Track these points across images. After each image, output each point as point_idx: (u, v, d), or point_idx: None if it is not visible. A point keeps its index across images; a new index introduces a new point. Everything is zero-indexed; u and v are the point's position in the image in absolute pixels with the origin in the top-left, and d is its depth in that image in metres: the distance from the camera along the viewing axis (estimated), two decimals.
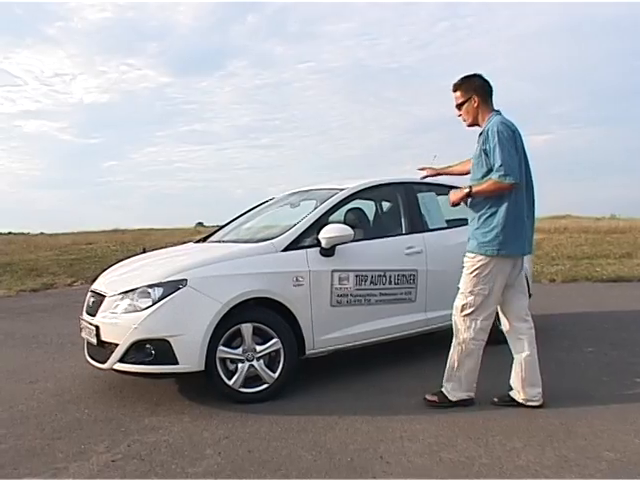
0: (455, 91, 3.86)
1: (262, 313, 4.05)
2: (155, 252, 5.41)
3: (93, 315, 4.20)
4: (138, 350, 3.85)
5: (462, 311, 3.76)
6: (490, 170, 3.61)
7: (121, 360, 3.91)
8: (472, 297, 3.72)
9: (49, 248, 18.97)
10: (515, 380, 3.80)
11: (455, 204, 3.84)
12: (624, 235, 18.04)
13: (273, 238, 4.34)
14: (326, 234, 4.27)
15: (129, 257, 5.37)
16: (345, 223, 4.51)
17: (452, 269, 4.16)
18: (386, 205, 5.28)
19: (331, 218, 4.55)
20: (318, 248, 4.31)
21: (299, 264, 4.23)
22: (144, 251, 11.84)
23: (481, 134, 3.72)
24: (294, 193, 5.54)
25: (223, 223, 5.75)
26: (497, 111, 3.81)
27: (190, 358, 3.81)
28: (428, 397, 3.89)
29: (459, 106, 3.86)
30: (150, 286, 3.93)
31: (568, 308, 7.62)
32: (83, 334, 4.37)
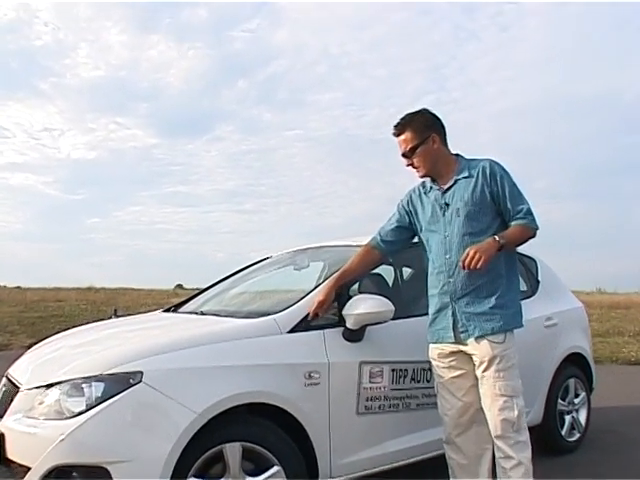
0: (401, 133, 2.91)
1: (257, 427, 2.65)
2: (113, 321, 4.02)
3: (0, 415, 2.77)
4: None
5: (518, 423, 2.78)
6: (494, 219, 2.86)
7: None
8: (520, 398, 2.83)
9: (14, 303, 17.48)
10: None
11: (485, 262, 2.68)
12: (629, 311, 17.16)
13: (274, 312, 2.98)
14: (354, 309, 2.92)
15: (99, 320, 4.12)
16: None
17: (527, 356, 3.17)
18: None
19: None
20: (340, 329, 2.97)
21: (313, 353, 2.87)
22: (115, 312, 10.60)
23: (455, 183, 2.92)
24: (301, 251, 4.20)
25: (204, 286, 4.40)
26: (460, 155, 3.02)
27: None
28: None
29: (411, 151, 2.87)
30: (86, 379, 2.53)
31: (618, 399, 6.25)
32: None
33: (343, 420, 2.89)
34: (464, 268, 2.71)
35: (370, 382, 2.98)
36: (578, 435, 4.45)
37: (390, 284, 3.68)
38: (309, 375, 2.78)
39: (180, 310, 3.90)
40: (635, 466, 4.06)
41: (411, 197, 3.12)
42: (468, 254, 2.68)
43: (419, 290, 3.50)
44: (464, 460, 2.95)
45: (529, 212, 2.82)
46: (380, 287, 3.29)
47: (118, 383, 2.48)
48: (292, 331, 2.87)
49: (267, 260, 4.37)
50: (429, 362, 3.08)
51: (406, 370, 3.13)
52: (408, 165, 2.96)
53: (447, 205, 2.91)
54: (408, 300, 3.46)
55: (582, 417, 4.51)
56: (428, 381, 3.21)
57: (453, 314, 2.88)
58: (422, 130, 2.91)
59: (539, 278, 4.31)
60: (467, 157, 2.99)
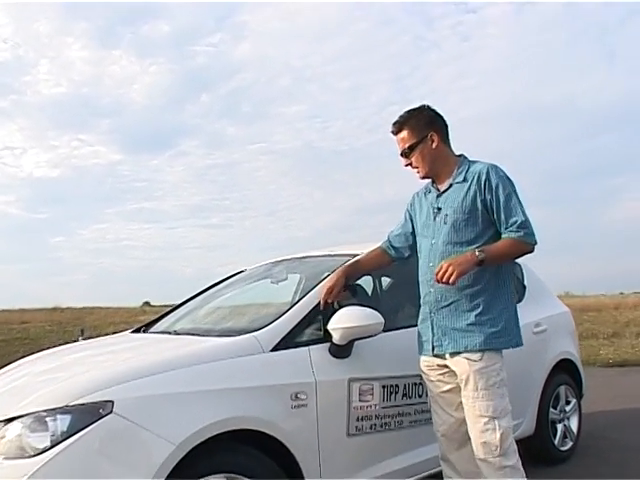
0: (399, 131, 2.73)
1: (241, 456, 2.42)
2: (80, 344, 3.75)
3: None
4: None
5: (501, 447, 2.53)
6: (487, 228, 2.64)
7: None
8: (505, 419, 2.57)
9: None
10: None
11: (458, 277, 2.51)
12: (600, 313, 17.27)
13: (255, 329, 2.75)
14: (341, 323, 2.72)
15: (65, 342, 3.77)
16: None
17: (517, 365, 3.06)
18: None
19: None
20: (326, 344, 2.77)
21: (299, 372, 2.65)
22: (82, 333, 10.24)
23: (450, 187, 2.73)
24: (277, 262, 3.99)
25: (172, 303, 4.16)
26: (464, 156, 2.81)
27: None
28: None
29: (409, 150, 2.70)
30: (50, 412, 2.27)
31: (603, 404, 6.14)
32: None
33: (333, 443, 2.68)
34: (436, 281, 2.55)
35: (360, 400, 2.78)
36: (571, 444, 4.30)
37: (370, 294, 3.50)
38: (295, 396, 2.57)
39: (151, 330, 3.65)
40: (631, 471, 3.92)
41: (414, 200, 2.97)
42: (442, 267, 2.51)
43: (404, 300, 3.36)
44: (460, 478, 2.76)
45: (523, 225, 2.58)
46: (361, 298, 3.11)
47: (86, 415, 2.23)
48: (275, 349, 2.65)
49: (241, 274, 4.14)
50: (420, 376, 2.90)
51: (397, 386, 2.94)
52: (407, 165, 2.78)
53: (439, 210, 2.74)
54: (393, 311, 3.27)
55: (574, 425, 4.37)
56: (420, 396, 3.03)
57: (432, 326, 2.71)
58: (421, 128, 2.73)
59: (525, 283, 4.17)
60: (471, 159, 2.80)
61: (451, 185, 2.73)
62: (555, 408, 4.18)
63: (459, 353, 2.61)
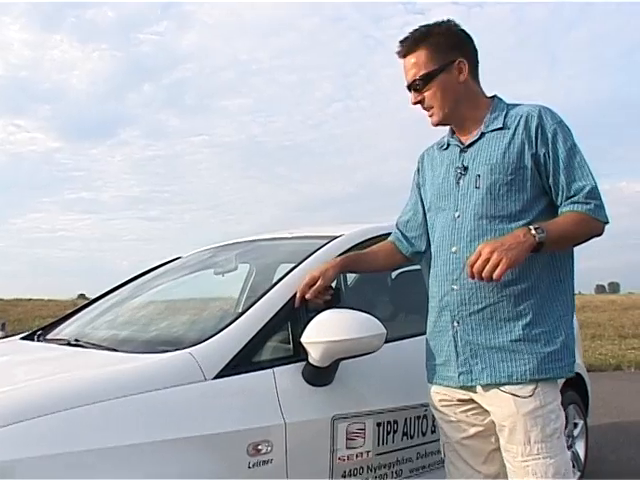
0: (412, 51, 1.89)
1: None
2: None
3: None
4: None
5: None
6: (537, 198, 1.80)
7: None
8: (562, 456, 1.75)
9: None
10: None
11: (507, 269, 1.64)
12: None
13: (191, 345, 1.82)
14: (322, 335, 1.80)
15: None
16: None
17: None
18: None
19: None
20: (299, 365, 1.87)
21: (260, 410, 1.74)
22: (3, 327, 9.16)
23: (481, 137, 1.86)
24: (222, 247, 3.04)
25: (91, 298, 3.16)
26: (498, 97, 1.94)
27: None
28: None
29: (424, 80, 1.85)
30: None
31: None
32: None
33: None
34: (471, 276, 1.66)
35: (348, 447, 1.89)
36: (578, 474, 3.54)
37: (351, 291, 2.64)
38: (255, 449, 1.66)
39: (50, 335, 2.65)
40: None
41: (422, 161, 2.07)
42: (480, 254, 1.63)
43: (401, 300, 2.50)
44: None
45: (593, 194, 1.75)
46: (348, 298, 2.21)
47: None
48: (222, 374, 1.73)
49: (176, 262, 3.17)
50: (422, 405, 2.04)
51: (396, 422, 2.06)
52: (416, 103, 1.88)
53: (465, 169, 1.86)
54: (390, 315, 2.40)
55: (581, 450, 3.61)
56: (424, 434, 2.17)
57: (455, 342, 1.82)
58: (444, 50, 1.84)
59: None
60: (510, 102, 1.93)
61: (483, 134, 1.86)
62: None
63: (499, 385, 1.75)
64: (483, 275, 1.62)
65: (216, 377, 1.72)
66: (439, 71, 1.84)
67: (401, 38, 1.90)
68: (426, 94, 1.85)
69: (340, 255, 2.18)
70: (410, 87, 1.88)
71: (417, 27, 1.90)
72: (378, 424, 2.00)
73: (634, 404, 6.06)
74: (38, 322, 14.41)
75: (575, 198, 1.75)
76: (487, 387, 1.76)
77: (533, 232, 1.66)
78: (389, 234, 2.18)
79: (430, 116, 1.90)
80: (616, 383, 7.35)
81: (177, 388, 1.64)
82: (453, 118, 1.90)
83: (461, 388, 1.81)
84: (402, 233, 2.09)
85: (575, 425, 3.60)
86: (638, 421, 5.36)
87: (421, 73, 1.84)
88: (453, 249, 1.82)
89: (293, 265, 2.16)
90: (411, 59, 1.86)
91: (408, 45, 1.87)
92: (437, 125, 1.92)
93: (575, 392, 3.60)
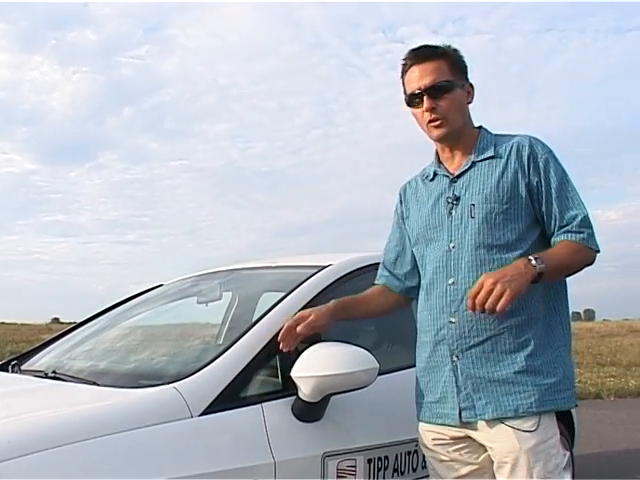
0: (434, 58, 1.85)
1: None
2: None
3: None
4: None
5: None
6: (531, 227, 1.79)
7: None
8: None
9: None
10: None
11: (512, 300, 1.60)
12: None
13: (175, 379, 1.75)
14: (313, 369, 1.75)
15: None
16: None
17: None
18: None
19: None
20: (288, 400, 1.80)
21: (248, 448, 1.67)
22: None
23: (472, 167, 1.84)
24: (208, 275, 2.97)
25: (69, 327, 3.05)
26: (484, 129, 1.94)
27: None
28: None
29: (443, 87, 1.81)
30: None
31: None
32: None
33: None
34: (472, 308, 1.62)
35: None
36: None
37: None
38: None
39: (25, 366, 2.54)
40: None
41: (405, 193, 2.03)
42: (482, 285, 1.60)
43: (390, 331, 2.45)
44: None
45: (585, 222, 1.76)
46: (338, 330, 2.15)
47: None
48: (209, 411, 1.66)
49: (158, 289, 3.09)
50: (413, 440, 1.98)
51: (387, 458, 2.00)
52: (428, 110, 1.81)
53: (457, 199, 1.82)
54: (378, 346, 2.34)
55: None
56: (414, 470, 2.11)
57: (455, 376, 1.76)
58: (459, 70, 1.85)
59: None
60: (496, 133, 1.92)
61: (474, 163, 1.83)
62: None
63: (503, 420, 1.70)
64: (486, 307, 1.58)
65: (203, 413, 1.65)
66: (456, 85, 1.82)
67: (421, 45, 1.88)
68: (442, 103, 1.79)
69: (330, 285, 2.14)
70: (423, 93, 1.80)
71: (431, 44, 1.88)
72: (369, 460, 1.94)
73: (617, 433, 6.03)
74: (10, 347, 14.09)
75: (568, 227, 1.74)
76: (490, 422, 1.71)
77: (533, 262, 1.64)
78: (378, 264, 2.14)
79: (438, 126, 1.82)
80: (597, 412, 7.32)
81: (162, 425, 1.56)
82: (457, 136, 1.85)
83: (460, 425, 1.75)
84: (391, 272, 2.02)
85: (563, 456, 3.56)
86: (621, 451, 5.33)
87: (444, 79, 1.79)
88: (450, 281, 1.78)
89: (281, 295, 2.10)
90: (432, 65, 1.81)
91: (429, 53, 1.83)
92: (442, 138, 1.84)
93: (561, 422, 3.55)
